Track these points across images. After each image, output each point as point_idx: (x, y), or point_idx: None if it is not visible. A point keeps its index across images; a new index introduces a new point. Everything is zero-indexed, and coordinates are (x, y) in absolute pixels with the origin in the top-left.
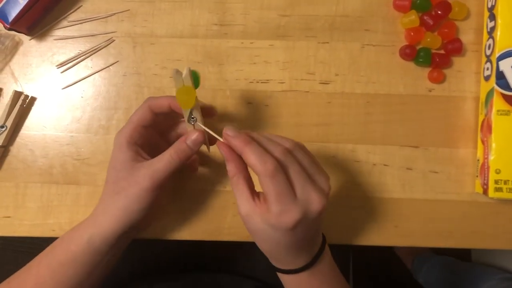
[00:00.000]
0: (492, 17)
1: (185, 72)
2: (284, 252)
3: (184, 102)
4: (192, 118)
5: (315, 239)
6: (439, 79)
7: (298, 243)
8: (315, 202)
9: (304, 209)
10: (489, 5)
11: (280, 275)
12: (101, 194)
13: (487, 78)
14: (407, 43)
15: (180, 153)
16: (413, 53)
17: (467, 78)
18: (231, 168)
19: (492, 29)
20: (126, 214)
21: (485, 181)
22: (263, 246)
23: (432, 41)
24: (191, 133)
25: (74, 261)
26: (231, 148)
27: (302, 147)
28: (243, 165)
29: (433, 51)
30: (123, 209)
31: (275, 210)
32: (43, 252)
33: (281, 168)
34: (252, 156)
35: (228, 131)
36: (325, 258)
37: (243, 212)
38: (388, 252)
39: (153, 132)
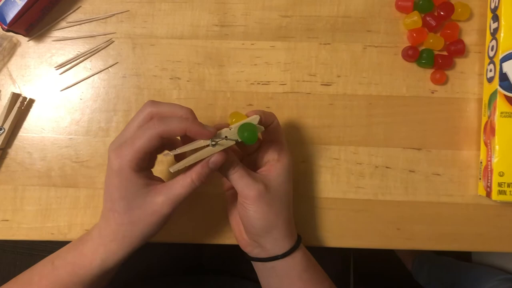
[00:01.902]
0: (496, 18)
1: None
2: (290, 209)
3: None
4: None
5: None
6: (442, 81)
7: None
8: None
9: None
10: (492, 6)
11: (291, 259)
12: (103, 215)
13: (490, 80)
14: (409, 44)
15: (202, 178)
16: (415, 55)
17: (470, 79)
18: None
19: (496, 30)
20: (142, 241)
21: (488, 184)
22: (283, 213)
23: (435, 42)
24: (214, 157)
25: (82, 283)
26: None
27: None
28: (236, 158)
29: (436, 52)
30: (141, 237)
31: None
32: (42, 269)
33: None
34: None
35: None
36: (302, 247)
37: (257, 190)
38: (388, 253)
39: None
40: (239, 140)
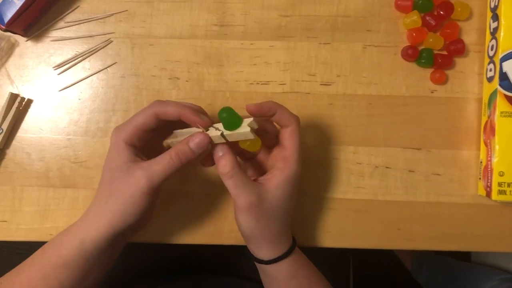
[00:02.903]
0: (495, 17)
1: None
2: (288, 218)
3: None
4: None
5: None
6: (442, 80)
7: (292, 202)
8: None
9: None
10: (492, 5)
11: (280, 265)
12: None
13: (490, 79)
14: (409, 44)
15: (181, 155)
16: (415, 54)
17: (469, 79)
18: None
19: (495, 29)
20: (120, 217)
21: (488, 184)
22: (280, 219)
23: (435, 41)
24: (196, 135)
25: (66, 265)
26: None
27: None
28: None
29: (436, 52)
30: (118, 212)
31: (292, 166)
32: (34, 254)
33: None
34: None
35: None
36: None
37: (248, 201)
38: (387, 253)
39: (154, 136)
40: (224, 132)
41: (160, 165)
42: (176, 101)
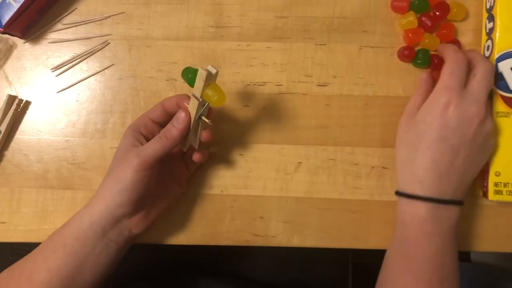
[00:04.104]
0: (491, 18)
1: (209, 71)
2: (448, 161)
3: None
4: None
5: (473, 164)
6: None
7: (462, 146)
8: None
9: (466, 100)
10: (488, 6)
11: (413, 205)
12: None
13: None
14: (405, 45)
15: (167, 133)
16: (411, 55)
17: None
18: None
19: (491, 30)
20: (110, 195)
21: (485, 184)
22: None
23: (431, 42)
24: (177, 114)
25: (64, 246)
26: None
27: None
28: None
29: (432, 52)
30: (109, 189)
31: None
32: (45, 240)
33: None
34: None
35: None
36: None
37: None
38: None
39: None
40: (200, 97)
41: (151, 144)
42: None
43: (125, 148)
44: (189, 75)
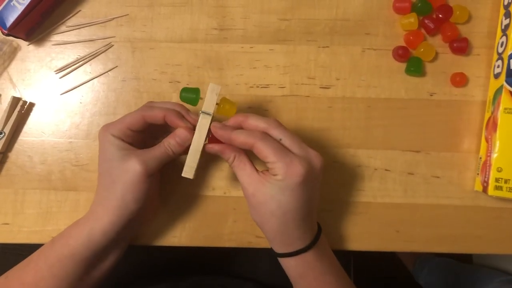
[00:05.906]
0: (508, 14)
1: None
2: (292, 224)
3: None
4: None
5: (315, 207)
6: (462, 83)
7: (304, 208)
8: (315, 156)
9: (307, 162)
10: (506, 2)
11: (286, 262)
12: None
13: (497, 76)
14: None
15: (171, 147)
16: (406, 55)
17: (469, 82)
18: (228, 152)
19: (507, 26)
20: (123, 204)
21: (486, 179)
22: (273, 224)
23: (425, 52)
24: (179, 131)
25: (72, 256)
26: (219, 141)
27: (278, 125)
28: (239, 149)
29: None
30: (121, 199)
31: (279, 167)
32: (42, 247)
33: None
34: (240, 136)
35: (216, 125)
36: (324, 241)
37: (250, 190)
38: (389, 254)
39: (147, 137)
40: (213, 113)
41: (154, 151)
42: (164, 101)
43: (120, 153)
44: (194, 95)
